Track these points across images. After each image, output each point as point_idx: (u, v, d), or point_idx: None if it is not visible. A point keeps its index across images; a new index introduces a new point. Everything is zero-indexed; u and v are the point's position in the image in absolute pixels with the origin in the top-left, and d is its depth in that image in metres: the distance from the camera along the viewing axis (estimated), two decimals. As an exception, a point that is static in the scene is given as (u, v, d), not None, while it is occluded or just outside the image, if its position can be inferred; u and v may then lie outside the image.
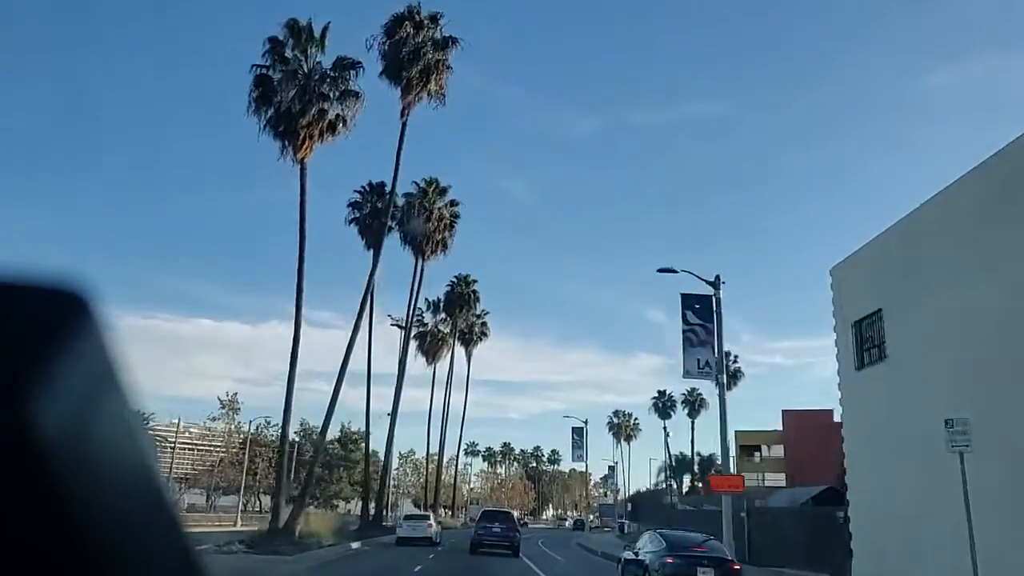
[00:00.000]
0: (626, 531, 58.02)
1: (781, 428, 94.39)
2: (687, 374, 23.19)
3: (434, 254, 45.57)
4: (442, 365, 66.92)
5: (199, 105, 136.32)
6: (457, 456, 79.40)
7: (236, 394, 68.04)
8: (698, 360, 23.00)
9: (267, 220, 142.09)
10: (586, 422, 59.67)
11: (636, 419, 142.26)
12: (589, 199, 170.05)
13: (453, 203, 46.27)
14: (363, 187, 44.68)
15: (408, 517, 39.31)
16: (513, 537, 30.66)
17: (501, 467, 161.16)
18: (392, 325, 69.80)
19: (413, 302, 45.80)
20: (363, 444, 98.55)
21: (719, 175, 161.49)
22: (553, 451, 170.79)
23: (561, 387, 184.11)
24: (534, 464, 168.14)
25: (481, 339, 71.93)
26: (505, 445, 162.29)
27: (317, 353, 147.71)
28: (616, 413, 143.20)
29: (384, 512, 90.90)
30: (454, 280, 64.57)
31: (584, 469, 60.50)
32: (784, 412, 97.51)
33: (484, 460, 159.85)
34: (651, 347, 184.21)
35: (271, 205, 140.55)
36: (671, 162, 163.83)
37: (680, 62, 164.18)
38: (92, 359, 0.52)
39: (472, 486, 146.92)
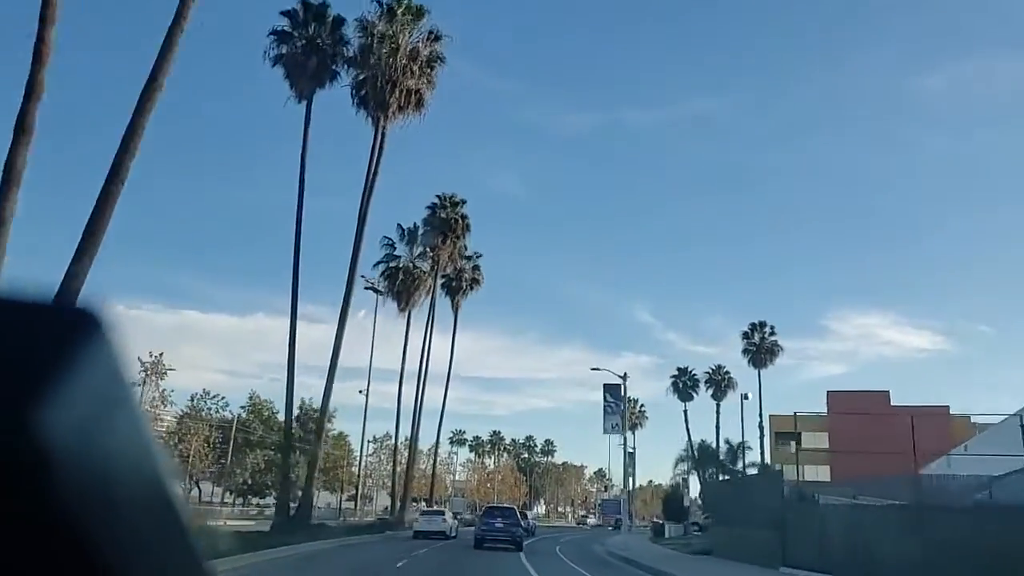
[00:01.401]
0: (667, 535, 42.56)
1: (826, 413, 78.96)
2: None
3: (402, 112, 29.94)
4: (419, 322, 51.24)
5: (192, 88, 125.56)
6: (437, 438, 63.15)
7: (162, 354, 52.14)
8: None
9: (260, 213, 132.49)
10: (625, 377, 43.56)
11: (642, 405, 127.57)
12: (580, 196, 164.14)
13: (434, 35, 30.64)
14: (293, 8, 29.18)
15: (424, 512, 41.59)
16: (515, 532, 31.08)
17: (490, 458, 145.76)
18: (367, 288, 54.45)
19: (369, 185, 30.06)
20: (330, 424, 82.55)
21: (712, 173, 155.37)
22: (547, 441, 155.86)
23: (548, 384, 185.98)
24: (526, 455, 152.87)
25: (472, 288, 56.25)
26: (494, 434, 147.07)
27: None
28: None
29: (354, 505, 75.69)
30: (437, 200, 49.01)
31: (622, 441, 46.00)
32: (830, 394, 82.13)
33: (471, 450, 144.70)
34: (638, 346, 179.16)
35: (264, 199, 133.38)
36: (663, 159, 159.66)
37: (675, 59, 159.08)
38: (104, 377, 0.52)
39: (457, 477, 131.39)
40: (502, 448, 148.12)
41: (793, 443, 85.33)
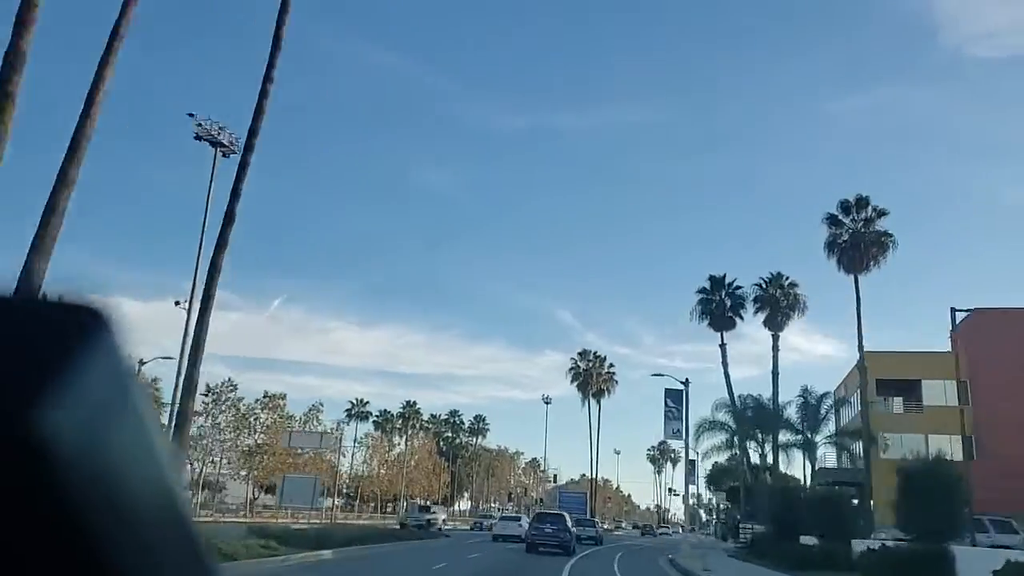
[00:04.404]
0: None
1: (952, 349, 45.66)
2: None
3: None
4: None
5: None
6: (207, 268, 22.68)
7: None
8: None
9: (166, 195, 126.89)
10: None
11: (611, 365, 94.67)
12: (509, 196, 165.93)
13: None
14: None
15: (503, 517, 49.08)
16: (564, 537, 32.07)
17: (400, 436, 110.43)
18: (197, 139, 18.87)
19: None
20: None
21: (634, 178, 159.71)
22: (477, 418, 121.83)
23: (467, 381, 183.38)
24: (449, 434, 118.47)
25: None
26: (408, 405, 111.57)
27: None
28: (583, 355, 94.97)
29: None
30: None
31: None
32: (964, 314, 45.73)
33: (377, 427, 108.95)
34: (560, 345, 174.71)
35: (171, 180, 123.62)
36: (591, 165, 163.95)
37: (608, 67, 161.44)
38: (109, 375, 0.52)
39: (353, 460, 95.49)
40: (419, 424, 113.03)
41: (899, 399, 53.22)
